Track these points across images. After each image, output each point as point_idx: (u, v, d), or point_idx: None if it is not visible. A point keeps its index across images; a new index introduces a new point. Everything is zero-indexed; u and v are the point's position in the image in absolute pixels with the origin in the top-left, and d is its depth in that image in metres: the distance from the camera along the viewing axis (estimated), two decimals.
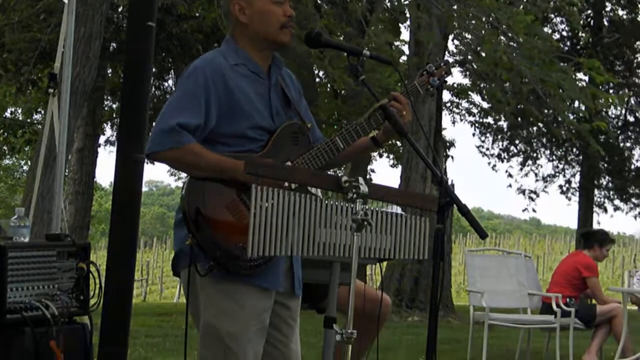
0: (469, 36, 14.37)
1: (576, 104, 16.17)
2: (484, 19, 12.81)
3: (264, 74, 3.36)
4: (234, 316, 3.18)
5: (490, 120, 23.44)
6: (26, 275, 3.85)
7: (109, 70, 18.59)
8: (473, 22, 13.04)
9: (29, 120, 20.45)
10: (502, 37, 13.25)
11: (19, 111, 21.03)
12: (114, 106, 20.24)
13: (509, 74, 13.85)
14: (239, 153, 3.20)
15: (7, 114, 20.89)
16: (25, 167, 30.05)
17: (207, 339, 3.24)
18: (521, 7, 14.06)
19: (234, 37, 3.40)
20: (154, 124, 3.29)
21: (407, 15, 16.29)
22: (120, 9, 16.89)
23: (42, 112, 18.50)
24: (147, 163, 4.65)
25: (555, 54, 13.66)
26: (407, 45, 17.41)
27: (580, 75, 17.50)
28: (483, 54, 13.90)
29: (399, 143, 19.61)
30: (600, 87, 16.79)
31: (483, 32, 13.09)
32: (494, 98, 16.54)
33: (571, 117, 15.64)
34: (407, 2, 15.75)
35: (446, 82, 3.53)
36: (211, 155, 3.15)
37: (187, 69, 3.30)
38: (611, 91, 21.01)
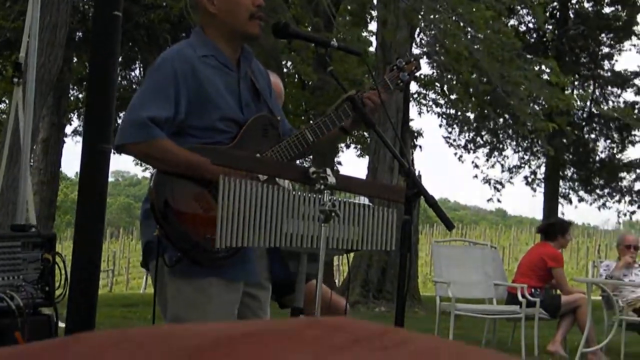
0: (435, 30, 14.43)
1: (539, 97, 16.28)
2: (451, 12, 12.86)
3: (233, 66, 3.35)
4: (201, 308, 3.17)
5: (458, 112, 23.56)
6: None
7: (75, 60, 18.44)
8: (437, 16, 13.10)
9: None
10: (469, 30, 13.32)
11: None
12: (80, 96, 20.08)
13: (471, 69, 13.95)
14: (208, 145, 3.19)
15: None
16: None
17: None
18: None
19: (202, 28, 3.39)
20: (122, 114, 3.28)
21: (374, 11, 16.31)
22: None
23: (7, 101, 18.32)
24: (113, 153, 4.61)
25: (516, 51, 13.76)
26: (374, 37, 17.45)
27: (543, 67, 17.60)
28: (450, 47, 13.97)
29: (366, 134, 19.65)
30: (565, 80, 16.92)
31: (449, 25, 13.14)
32: (458, 93, 16.65)
33: (531, 112, 15.73)
34: None
35: (416, 77, 3.57)
36: (180, 152, 3.13)
37: (156, 61, 3.29)
38: (576, 83, 21.19)
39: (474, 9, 12.64)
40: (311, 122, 3.47)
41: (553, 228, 9.03)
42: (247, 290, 3.32)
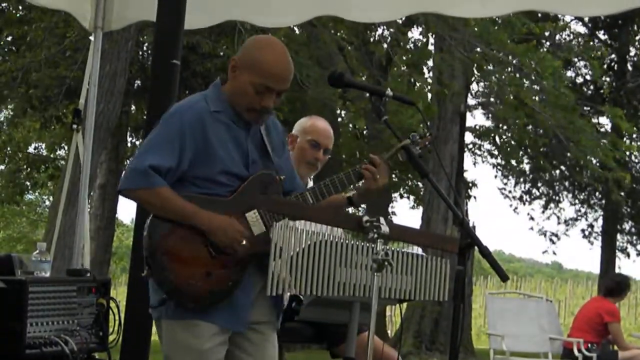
0: (493, 78, 14.43)
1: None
2: (509, 58, 12.86)
3: (243, 123, 3.40)
4: (189, 350, 3.25)
5: (512, 162, 23.36)
6: (46, 310, 3.85)
7: (133, 107, 18.71)
8: (492, 67, 13.12)
9: (52, 155, 20.54)
10: (525, 81, 13.31)
11: (43, 146, 21.15)
12: (138, 143, 20.35)
13: (527, 120, 13.90)
14: (207, 195, 3.28)
15: (31, 149, 21.02)
16: (47, 203, 30.16)
17: None
18: (544, 50, 14.17)
19: (222, 82, 3.46)
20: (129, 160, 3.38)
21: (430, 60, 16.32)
22: (145, 47, 17.05)
23: (66, 147, 18.61)
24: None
25: (578, 101, 13.75)
26: (429, 87, 17.43)
27: (602, 119, 17.45)
28: (511, 96, 13.93)
29: (420, 184, 19.58)
30: (624, 133, 16.78)
31: (504, 77, 13.14)
32: (511, 145, 16.55)
33: (594, 162, 15.60)
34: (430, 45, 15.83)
35: (429, 151, 3.55)
36: (178, 201, 3.23)
37: (170, 110, 3.40)
38: (634, 135, 20.96)
39: (540, 57, 12.65)
40: (314, 185, 3.50)
41: (620, 287, 8.89)
42: (251, 326, 3.35)
